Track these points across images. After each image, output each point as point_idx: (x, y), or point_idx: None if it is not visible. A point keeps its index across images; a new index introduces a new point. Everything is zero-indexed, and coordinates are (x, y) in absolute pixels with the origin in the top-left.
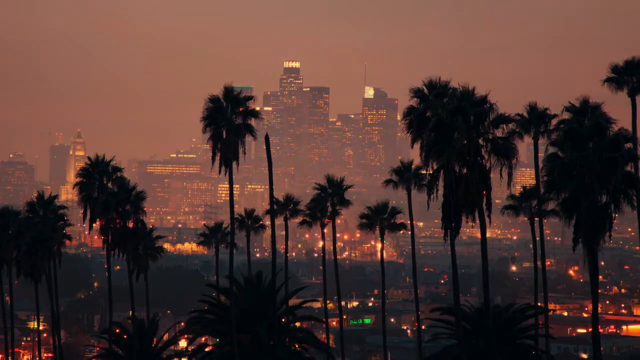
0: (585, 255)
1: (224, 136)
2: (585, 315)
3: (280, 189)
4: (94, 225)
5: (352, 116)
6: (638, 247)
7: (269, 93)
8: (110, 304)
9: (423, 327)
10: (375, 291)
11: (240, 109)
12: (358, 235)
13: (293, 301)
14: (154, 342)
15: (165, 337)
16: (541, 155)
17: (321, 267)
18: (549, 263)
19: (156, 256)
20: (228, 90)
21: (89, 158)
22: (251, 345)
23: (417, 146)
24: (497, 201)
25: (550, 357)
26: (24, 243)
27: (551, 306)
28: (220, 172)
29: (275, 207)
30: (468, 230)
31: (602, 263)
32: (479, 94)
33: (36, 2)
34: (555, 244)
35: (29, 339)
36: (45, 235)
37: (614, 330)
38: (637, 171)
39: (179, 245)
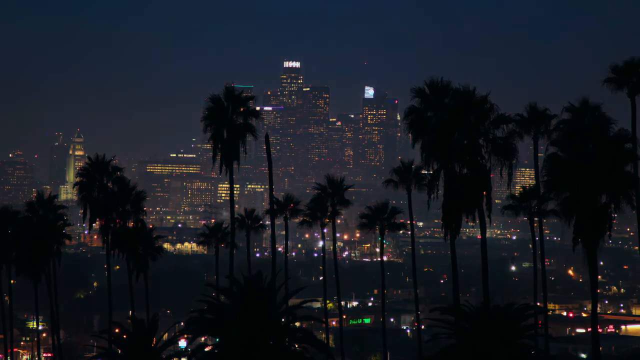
0: (585, 255)
1: (225, 136)
2: (584, 315)
3: (280, 189)
4: (94, 225)
5: (352, 116)
6: (637, 247)
7: (269, 93)
8: (110, 304)
9: (423, 327)
10: (375, 291)
11: (241, 109)
12: (358, 235)
13: (293, 301)
14: (154, 342)
15: (165, 337)
16: (541, 155)
17: (321, 267)
18: (548, 263)
19: (156, 256)
20: (229, 90)
21: (89, 158)
22: (251, 345)
23: (417, 146)
24: (497, 201)
25: (549, 357)
26: (23, 243)
27: (551, 306)
28: (220, 172)
29: (275, 207)
30: (468, 230)
31: (602, 263)
32: (479, 94)
33: (35, 2)
34: (555, 244)
35: (28, 338)
36: (45, 235)
37: (613, 330)
38: (637, 171)
39: (179, 245)
